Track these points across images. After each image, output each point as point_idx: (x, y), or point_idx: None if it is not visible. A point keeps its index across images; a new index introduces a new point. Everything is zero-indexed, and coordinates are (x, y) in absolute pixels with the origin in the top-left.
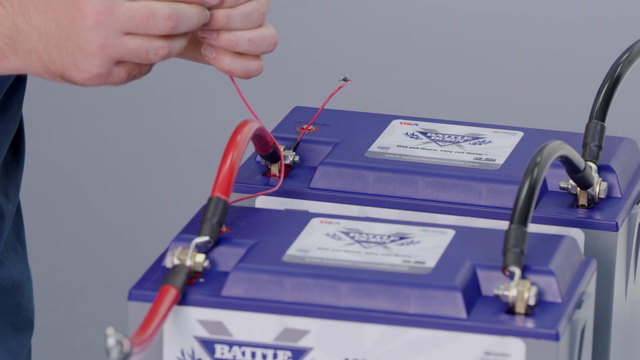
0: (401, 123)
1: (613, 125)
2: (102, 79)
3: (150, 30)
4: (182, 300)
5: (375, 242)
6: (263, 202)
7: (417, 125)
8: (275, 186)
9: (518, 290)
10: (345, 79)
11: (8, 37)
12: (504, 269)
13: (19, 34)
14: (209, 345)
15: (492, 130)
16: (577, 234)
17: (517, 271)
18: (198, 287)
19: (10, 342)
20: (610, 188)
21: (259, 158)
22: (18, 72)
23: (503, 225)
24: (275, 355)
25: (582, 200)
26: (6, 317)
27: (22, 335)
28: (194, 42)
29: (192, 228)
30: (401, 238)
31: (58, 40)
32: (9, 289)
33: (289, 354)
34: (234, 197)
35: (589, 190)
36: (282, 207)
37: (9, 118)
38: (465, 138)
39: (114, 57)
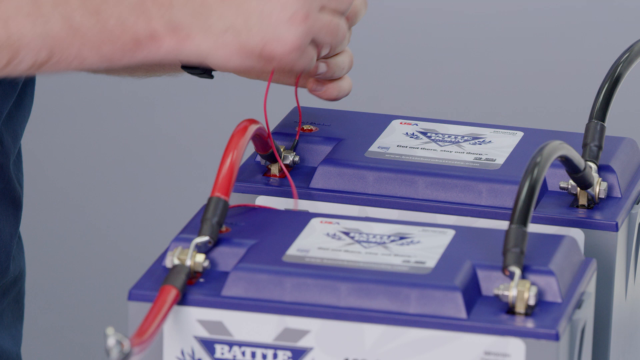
0: (401, 123)
1: (613, 125)
2: (299, 53)
3: (338, 5)
4: (182, 300)
5: (375, 242)
6: (263, 202)
7: (417, 125)
8: (280, 186)
9: (518, 290)
10: None
11: (197, 15)
12: (504, 269)
13: (212, 11)
14: (209, 345)
15: (492, 130)
16: (577, 234)
17: (517, 271)
18: (198, 287)
19: (12, 330)
20: (610, 188)
21: (259, 158)
22: (199, 57)
23: (503, 225)
24: (275, 355)
25: (582, 200)
26: (11, 306)
27: (19, 323)
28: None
29: (192, 228)
30: (401, 238)
31: (260, 14)
32: (14, 279)
33: (289, 354)
34: (234, 197)
35: (589, 190)
36: (282, 207)
37: (24, 108)
38: (465, 138)
39: (313, 29)
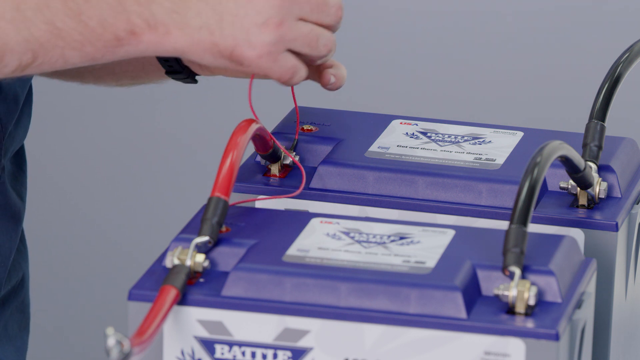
0: (401, 123)
1: (613, 125)
2: (271, 59)
3: (322, 18)
4: (182, 300)
5: (375, 242)
6: (263, 202)
7: (417, 125)
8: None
9: (518, 290)
10: None
11: (175, 12)
12: (504, 269)
13: (189, 9)
14: (209, 345)
15: (492, 130)
16: (577, 234)
17: (517, 271)
18: (198, 287)
19: (17, 341)
20: (610, 188)
21: (259, 158)
22: (177, 53)
23: (503, 225)
24: (275, 355)
25: (582, 200)
26: (14, 316)
27: (25, 334)
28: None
29: (192, 228)
30: (401, 238)
31: (234, 17)
32: (15, 287)
33: (289, 354)
34: (234, 197)
35: (589, 190)
36: (282, 207)
37: (21, 127)
38: (465, 138)
39: (287, 37)
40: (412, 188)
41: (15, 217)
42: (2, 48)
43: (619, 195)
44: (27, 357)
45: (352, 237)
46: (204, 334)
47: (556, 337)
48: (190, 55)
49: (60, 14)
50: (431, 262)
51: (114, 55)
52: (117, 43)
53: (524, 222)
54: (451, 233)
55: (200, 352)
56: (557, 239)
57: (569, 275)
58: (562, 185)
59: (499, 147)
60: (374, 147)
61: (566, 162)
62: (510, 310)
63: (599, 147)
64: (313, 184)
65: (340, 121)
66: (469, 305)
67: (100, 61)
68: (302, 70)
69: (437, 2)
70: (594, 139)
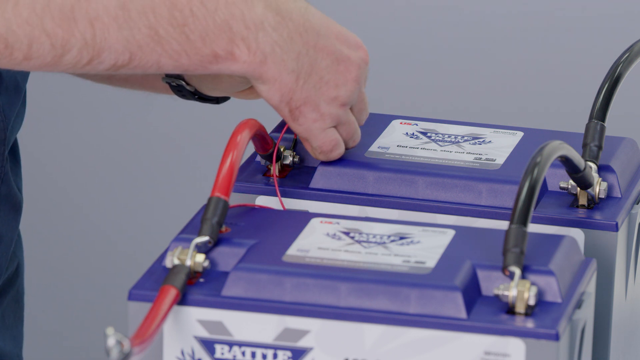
0: (401, 123)
1: (613, 125)
2: (322, 127)
3: (362, 117)
4: (182, 300)
5: (375, 242)
6: (263, 202)
7: (417, 125)
8: (276, 187)
9: (518, 290)
10: None
11: (279, 45)
12: (504, 269)
13: (291, 49)
14: (209, 345)
15: (492, 130)
16: (577, 234)
17: (517, 271)
18: (198, 287)
19: (13, 331)
20: (610, 188)
21: (259, 158)
22: (259, 80)
23: (503, 225)
24: (275, 355)
25: (582, 200)
26: (11, 305)
27: (20, 324)
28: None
29: (192, 228)
30: (401, 238)
31: (320, 79)
32: (11, 276)
33: (289, 354)
34: (234, 197)
35: (589, 190)
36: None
37: (19, 116)
38: (465, 138)
39: (342, 119)
40: (412, 188)
41: (15, 208)
42: (101, 44)
43: (619, 195)
44: (27, 358)
45: (352, 237)
46: (204, 334)
47: (556, 337)
48: (264, 87)
49: (164, 22)
50: (431, 262)
51: (205, 70)
52: (214, 60)
53: (524, 222)
54: (451, 233)
55: (200, 352)
56: (557, 239)
57: (569, 275)
58: (562, 185)
59: (499, 147)
60: (374, 147)
61: (566, 162)
62: (510, 310)
63: (599, 147)
64: (313, 184)
65: None
66: (469, 305)
67: (193, 74)
68: (342, 147)
69: (437, 2)
70: (594, 139)
